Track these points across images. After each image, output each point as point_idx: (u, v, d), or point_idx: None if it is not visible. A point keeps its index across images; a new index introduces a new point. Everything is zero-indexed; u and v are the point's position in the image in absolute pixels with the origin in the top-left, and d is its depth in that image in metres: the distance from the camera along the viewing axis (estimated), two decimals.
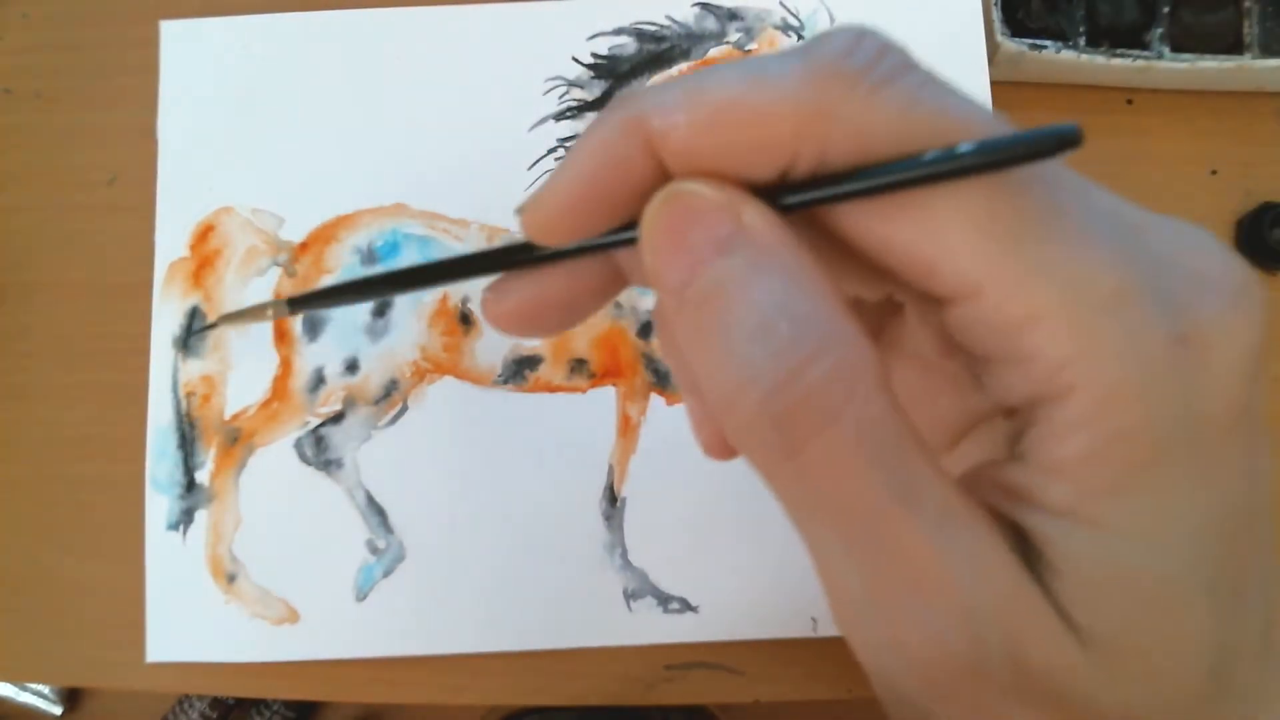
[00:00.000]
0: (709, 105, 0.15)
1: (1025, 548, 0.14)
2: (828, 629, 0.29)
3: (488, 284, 0.20)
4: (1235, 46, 0.32)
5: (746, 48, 0.32)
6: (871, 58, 0.14)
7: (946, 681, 0.14)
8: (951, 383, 0.19)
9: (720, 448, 0.19)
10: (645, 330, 0.31)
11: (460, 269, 0.20)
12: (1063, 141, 0.13)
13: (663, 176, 0.16)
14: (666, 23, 0.32)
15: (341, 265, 0.31)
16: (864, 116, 0.14)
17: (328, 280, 0.31)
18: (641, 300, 0.31)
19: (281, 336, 0.31)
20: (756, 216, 0.15)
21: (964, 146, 0.13)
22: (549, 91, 0.32)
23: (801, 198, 0.15)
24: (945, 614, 0.14)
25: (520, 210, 0.17)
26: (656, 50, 0.32)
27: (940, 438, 0.19)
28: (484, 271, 0.19)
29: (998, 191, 0.14)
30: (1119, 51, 0.32)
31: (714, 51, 0.32)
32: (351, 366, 0.31)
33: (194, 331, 0.31)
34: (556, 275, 0.18)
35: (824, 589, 0.16)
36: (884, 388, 0.14)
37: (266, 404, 0.31)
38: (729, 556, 0.30)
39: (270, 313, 0.25)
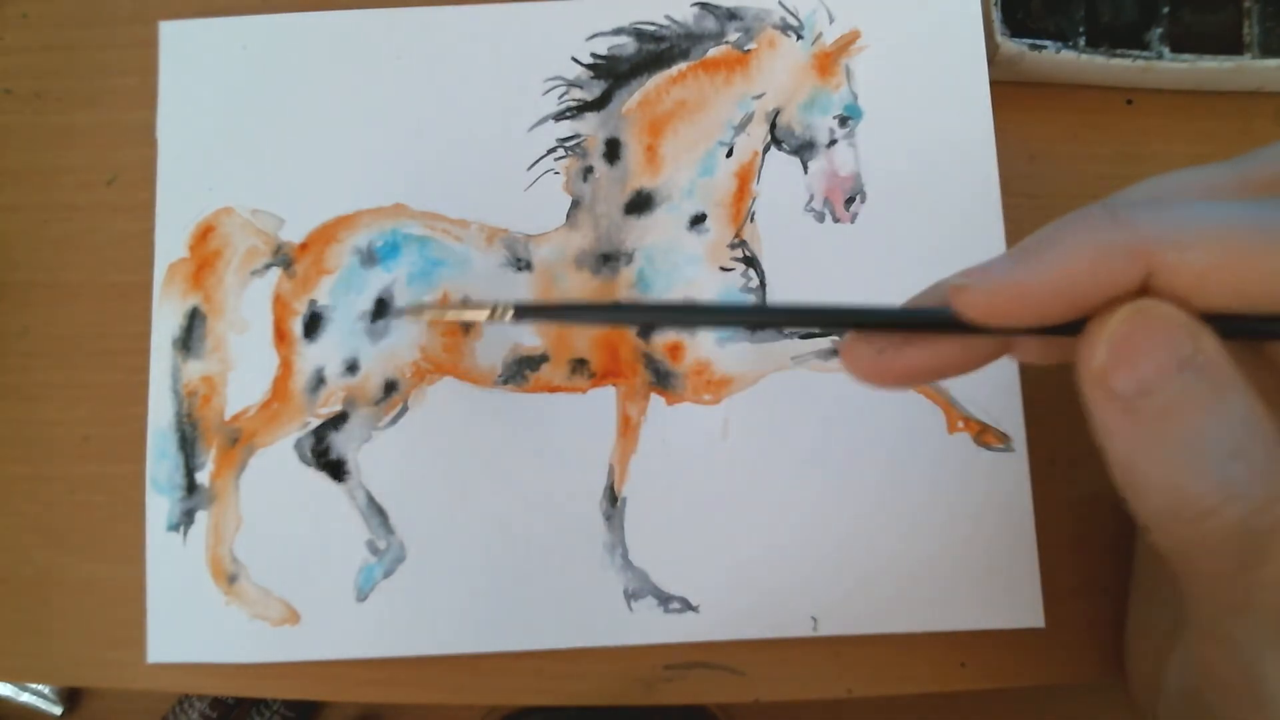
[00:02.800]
0: (1229, 248, 0.17)
1: None
2: (828, 629, 0.29)
3: (854, 335, 0.21)
4: (1235, 46, 0.32)
5: (745, 47, 0.32)
6: None
7: None
8: None
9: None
10: (645, 330, 0.31)
11: (871, 320, 0.21)
12: None
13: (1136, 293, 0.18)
14: (666, 23, 0.32)
15: (342, 265, 0.31)
16: None
17: (328, 281, 0.31)
18: (642, 300, 0.31)
19: (281, 337, 0.31)
20: (1211, 342, 0.17)
21: None
22: (548, 91, 0.32)
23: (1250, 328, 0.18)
24: None
25: (961, 289, 0.18)
26: (656, 50, 0.32)
27: None
28: (895, 328, 0.21)
29: None
30: (1119, 51, 0.32)
31: (713, 51, 0.32)
32: (351, 367, 0.31)
33: (395, 314, 0.30)
34: (952, 345, 0.20)
35: (1215, 683, 0.20)
36: None
37: (267, 405, 0.31)
38: (729, 556, 0.30)
39: (494, 314, 0.23)
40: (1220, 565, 0.17)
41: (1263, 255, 0.17)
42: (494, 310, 0.23)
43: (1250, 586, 0.17)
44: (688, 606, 0.30)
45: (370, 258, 0.31)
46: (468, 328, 0.31)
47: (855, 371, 0.22)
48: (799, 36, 0.32)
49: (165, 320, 0.31)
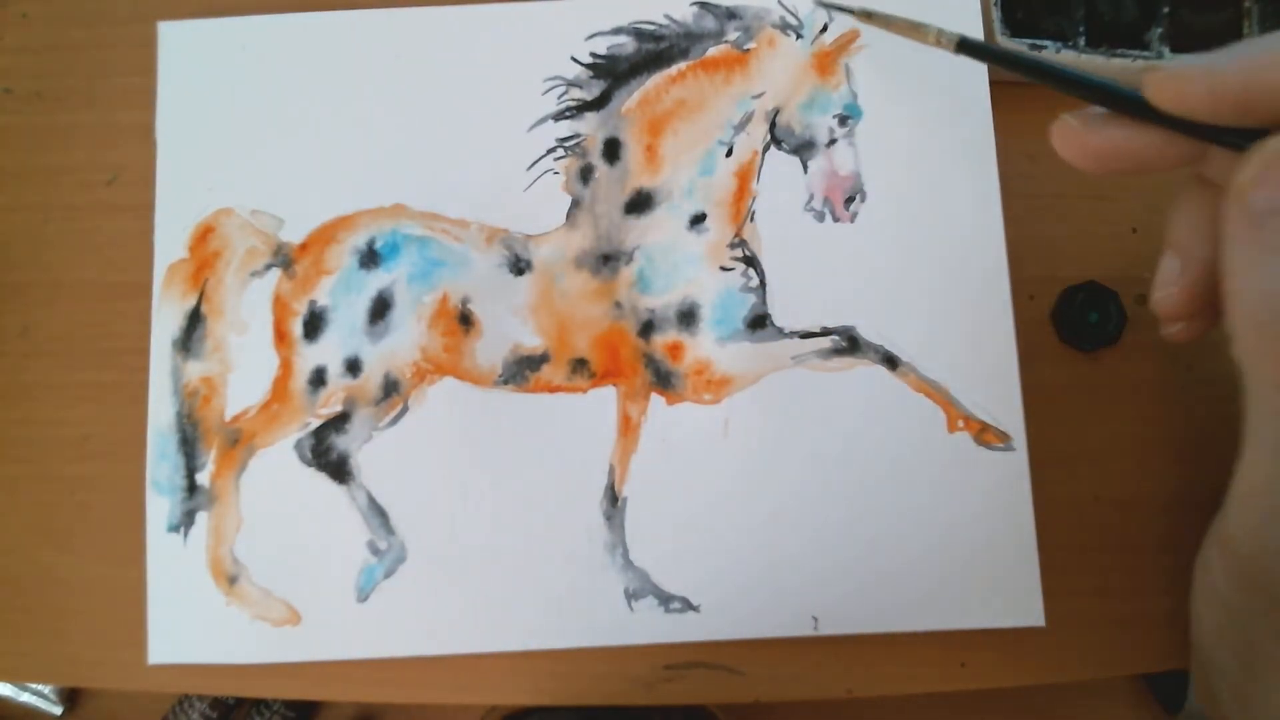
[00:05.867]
0: None
1: None
2: (828, 629, 0.29)
3: (1073, 115, 0.23)
4: None
5: (745, 47, 0.32)
6: None
7: None
8: None
9: (1173, 307, 0.24)
10: (645, 330, 0.31)
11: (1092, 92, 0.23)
12: None
13: None
14: (665, 22, 0.32)
15: (341, 266, 0.31)
16: None
17: (327, 281, 0.31)
18: (641, 300, 0.31)
19: (281, 338, 0.31)
20: None
21: None
22: (548, 91, 0.32)
23: None
24: None
25: (1154, 70, 0.20)
26: (655, 50, 0.32)
27: None
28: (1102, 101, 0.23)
29: None
30: (1119, 51, 0.32)
31: (712, 50, 0.32)
32: (352, 367, 0.31)
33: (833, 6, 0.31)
34: (1151, 134, 0.22)
35: (1262, 493, 0.21)
36: None
37: (267, 405, 0.31)
38: (730, 556, 0.30)
39: (933, 39, 0.27)
40: None
41: None
42: (938, 36, 0.26)
43: None
44: (688, 606, 0.30)
45: (370, 258, 0.31)
46: (468, 328, 0.31)
47: (1061, 146, 0.24)
48: (799, 36, 0.32)
49: (165, 320, 0.31)
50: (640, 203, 0.32)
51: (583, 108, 0.32)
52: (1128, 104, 0.22)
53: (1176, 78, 0.20)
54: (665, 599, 0.30)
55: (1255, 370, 0.20)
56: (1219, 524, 0.24)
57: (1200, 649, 0.26)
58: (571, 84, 0.32)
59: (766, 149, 0.32)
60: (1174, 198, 0.24)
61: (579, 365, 0.31)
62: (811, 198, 0.31)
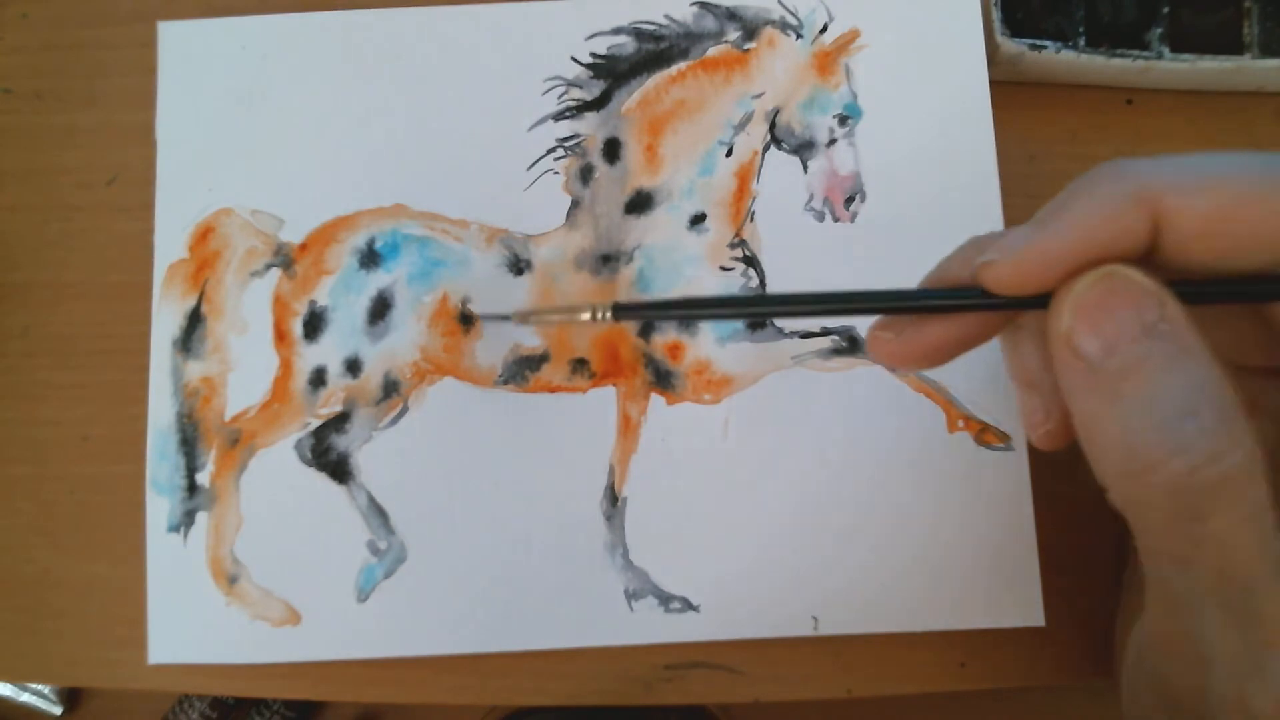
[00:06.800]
0: (1231, 195, 0.18)
1: None
2: (828, 629, 0.29)
3: (879, 320, 0.22)
4: (1235, 46, 0.32)
5: (745, 47, 0.32)
6: None
7: None
8: None
9: (1055, 442, 0.22)
10: (645, 330, 0.31)
11: (895, 303, 0.22)
12: None
13: (1148, 249, 0.18)
14: (665, 22, 0.32)
15: (341, 266, 0.31)
16: None
17: (327, 281, 0.31)
18: (642, 300, 0.31)
19: (281, 338, 0.31)
20: (1177, 309, 0.18)
21: None
22: (548, 91, 0.32)
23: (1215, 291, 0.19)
24: None
25: (990, 264, 0.19)
26: (655, 50, 0.32)
27: None
28: (919, 309, 0.22)
29: None
30: (1119, 51, 0.32)
31: (712, 50, 0.32)
32: (352, 367, 0.31)
33: (490, 318, 0.30)
34: (971, 319, 0.21)
35: (1161, 642, 0.20)
36: (1268, 478, 0.17)
37: (267, 405, 0.31)
38: (730, 556, 0.30)
39: (589, 316, 0.24)
40: (1165, 518, 0.18)
41: (1267, 202, 0.18)
42: (594, 312, 0.24)
43: (1192, 540, 0.18)
44: (688, 606, 0.30)
45: (370, 258, 0.31)
46: (468, 328, 0.31)
47: (879, 356, 0.23)
48: (798, 35, 0.32)
49: (165, 320, 0.31)
50: (640, 203, 0.32)
51: (583, 108, 0.32)
52: (966, 301, 0.21)
53: (1014, 264, 0.19)
54: (665, 599, 0.30)
55: (1139, 524, 0.19)
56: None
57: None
58: (571, 84, 0.32)
59: (766, 149, 0.32)
60: (1001, 347, 0.23)
61: (579, 365, 0.31)
62: (811, 198, 0.31)
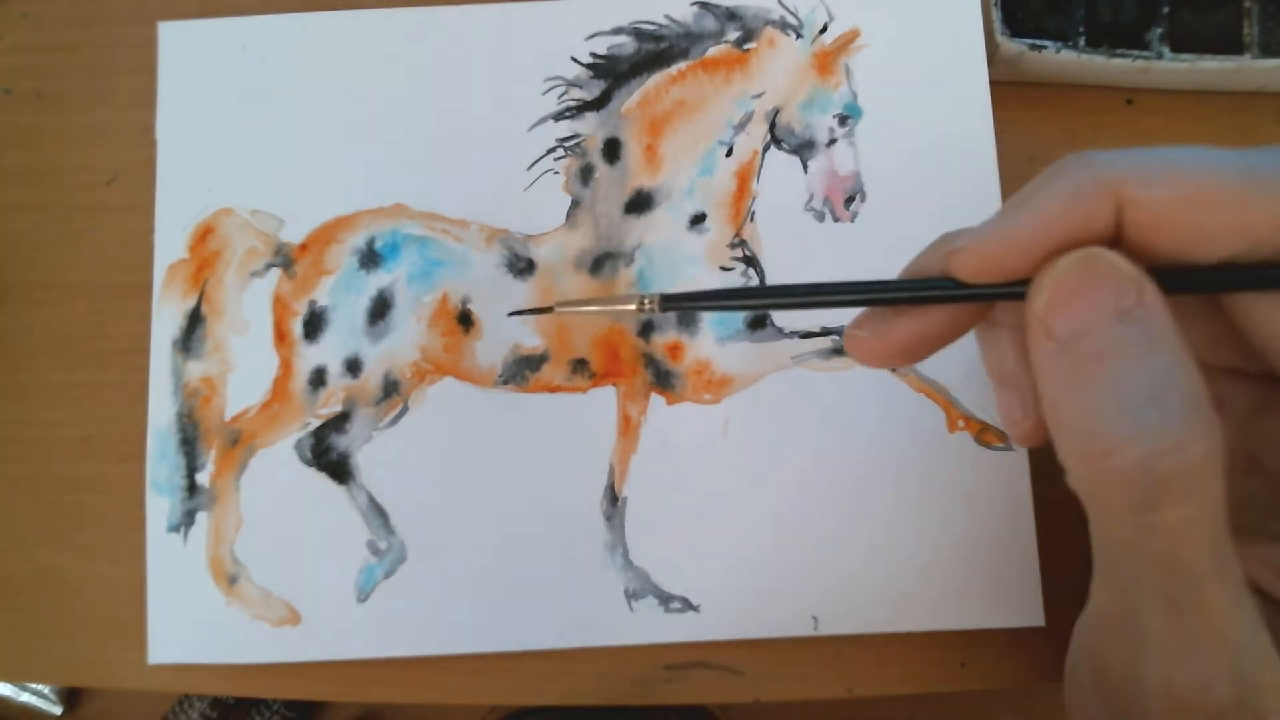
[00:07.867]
0: (1192, 184, 0.18)
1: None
2: (828, 629, 0.29)
3: (855, 318, 0.22)
4: (1235, 46, 0.32)
5: (745, 46, 0.32)
6: None
7: None
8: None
9: (1033, 439, 0.22)
10: (645, 330, 0.31)
11: (868, 296, 0.22)
12: None
13: (1113, 238, 0.18)
14: (665, 22, 0.32)
15: (341, 266, 0.31)
16: None
17: (327, 281, 0.31)
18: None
19: (281, 337, 0.31)
20: (1155, 296, 0.18)
21: None
22: (548, 91, 0.32)
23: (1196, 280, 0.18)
24: (1219, 666, 0.17)
25: (957, 251, 0.19)
26: (655, 50, 0.32)
27: None
28: (890, 300, 0.21)
29: None
30: (1119, 51, 0.32)
31: (712, 50, 0.32)
32: (352, 367, 0.31)
33: (529, 312, 0.30)
34: (943, 312, 0.21)
35: (1101, 623, 0.20)
36: (1225, 476, 0.17)
37: (267, 405, 0.31)
38: (730, 556, 0.30)
39: (635, 306, 0.24)
40: (1120, 504, 0.18)
41: (1225, 191, 0.17)
42: (641, 302, 0.24)
43: (1141, 528, 0.17)
44: (688, 606, 0.30)
45: (370, 258, 0.31)
46: (468, 328, 0.31)
47: (856, 354, 0.23)
48: (798, 35, 0.32)
49: (165, 320, 0.31)
50: (640, 203, 0.32)
51: (583, 108, 0.32)
52: (938, 292, 0.21)
53: (981, 251, 0.19)
54: (665, 599, 0.30)
55: (1093, 507, 0.19)
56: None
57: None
58: (571, 84, 0.32)
59: (766, 149, 0.32)
60: (978, 345, 0.23)
61: (579, 365, 0.31)
62: (811, 198, 0.32)
